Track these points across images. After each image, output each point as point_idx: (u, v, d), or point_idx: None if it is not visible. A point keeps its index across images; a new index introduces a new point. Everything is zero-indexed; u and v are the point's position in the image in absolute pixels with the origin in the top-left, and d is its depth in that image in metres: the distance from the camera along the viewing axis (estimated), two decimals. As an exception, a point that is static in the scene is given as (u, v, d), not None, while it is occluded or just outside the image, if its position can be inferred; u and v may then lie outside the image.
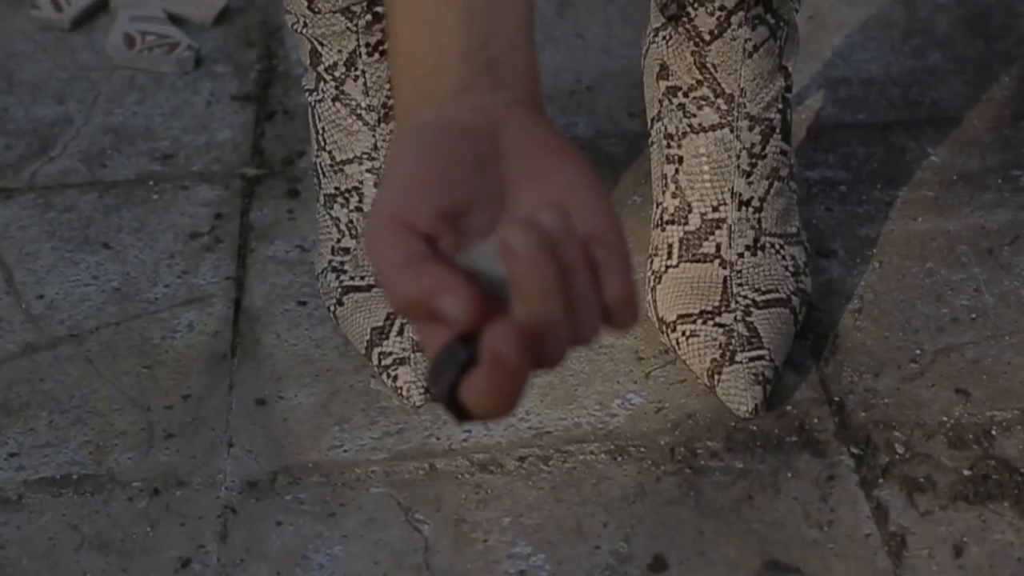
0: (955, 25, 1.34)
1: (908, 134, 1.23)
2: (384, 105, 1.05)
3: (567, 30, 1.35)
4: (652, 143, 1.09)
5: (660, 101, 1.07)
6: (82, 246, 1.16)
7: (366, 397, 1.04)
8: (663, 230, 1.06)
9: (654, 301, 1.05)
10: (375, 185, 1.06)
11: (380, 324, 1.04)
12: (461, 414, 0.61)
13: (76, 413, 1.04)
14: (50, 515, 0.97)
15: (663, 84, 1.06)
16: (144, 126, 1.27)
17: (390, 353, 1.03)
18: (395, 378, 1.02)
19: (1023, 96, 1.27)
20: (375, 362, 1.04)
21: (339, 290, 1.07)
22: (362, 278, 1.06)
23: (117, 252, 1.16)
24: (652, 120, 1.08)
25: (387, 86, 1.05)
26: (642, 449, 1.00)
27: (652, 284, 1.06)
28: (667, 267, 1.05)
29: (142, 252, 1.15)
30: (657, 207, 1.07)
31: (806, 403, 1.02)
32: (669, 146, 1.06)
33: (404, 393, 1.02)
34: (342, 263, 1.07)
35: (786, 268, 1.05)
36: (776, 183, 1.06)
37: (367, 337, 1.04)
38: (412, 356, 1.02)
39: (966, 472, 0.98)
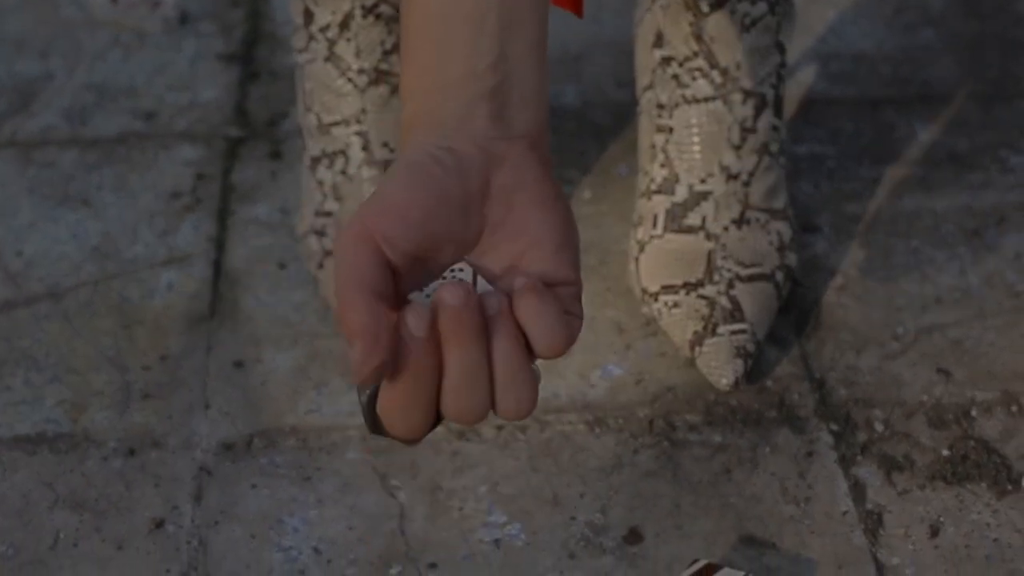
0: (949, 3, 1.34)
1: (898, 111, 1.23)
2: (375, 69, 1.05)
3: (557, -2, 1.34)
4: (641, 112, 1.08)
5: (653, 70, 1.06)
6: (62, 203, 1.15)
7: (345, 361, 1.03)
8: (649, 200, 1.05)
9: (637, 271, 1.05)
10: (362, 148, 1.05)
11: None
12: (376, 426, 0.65)
13: (53, 371, 1.03)
14: (24, 473, 0.96)
15: (658, 53, 1.05)
16: (127, 84, 1.26)
17: None
18: None
19: (1015, 76, 1.26)
20: None
21: (320, 253, 1.06)
22: None
23: (97, 210, 1.15)
24: (643, 89, 1.07)
25: (379, 50, 1.04)
26: (620, 421, 0.99)
27: (636, 254, 1.05)
28: (652, 237, 1.04)
29: (122, 211, 1.14)
30: (644, 176, 1.07)
31: (787, 379, 1.02)
32: (660, 116, 1.05)
33: None
34: (324, 226, 1.06)
35: (771, 243, 1.05)
36: (766, 158, 1.05)
37: None
38: None
39: (945, 452, 0.97)
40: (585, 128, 1.21)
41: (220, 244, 1.12)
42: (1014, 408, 1.00)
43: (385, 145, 1.05)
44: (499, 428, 0.99)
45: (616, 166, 1.18)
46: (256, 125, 1.22)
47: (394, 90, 1.05)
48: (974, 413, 1.00)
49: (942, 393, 1.01)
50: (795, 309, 1.06)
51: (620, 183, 1.16)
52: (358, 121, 1.05)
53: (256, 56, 1.29)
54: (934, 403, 1.00)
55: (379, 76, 1.05)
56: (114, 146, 1.20)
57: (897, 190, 1.16)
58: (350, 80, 1.05)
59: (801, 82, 1.25)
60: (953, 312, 1.06)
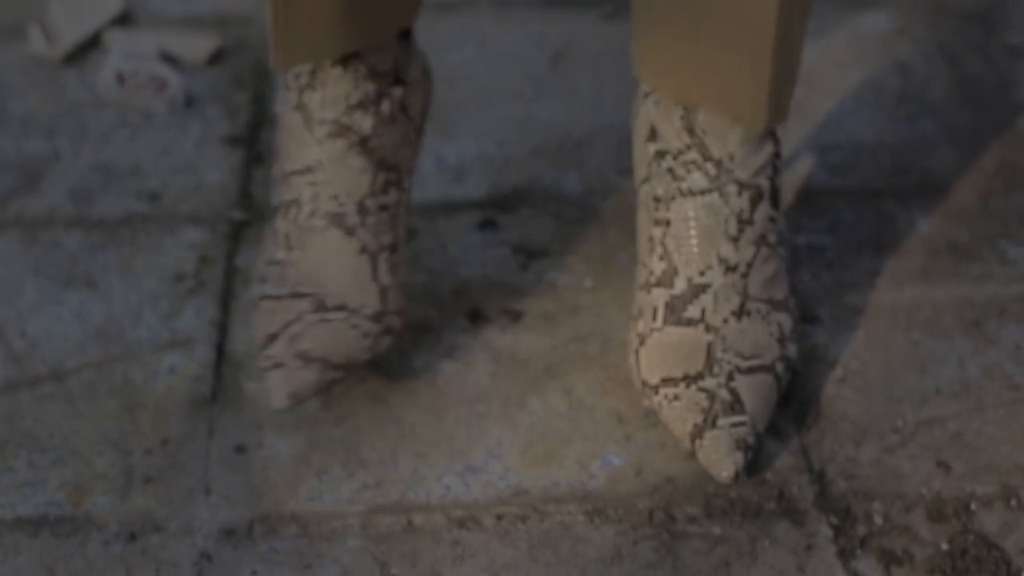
0: (948, 93, 1.35)
1: (897, 202, 1.24)
2: (336, 122, 1.06)
3: (559, 84, 1.35)
4: (639, 204, 1.09)
5: (649, 164, 1.07)
6: (66, 284, 1.16)
7: (346, 448, 1.03)
8: (649, 292, 1.06)
9: (638, 363, 1.05)
10: (311, 199, 1.07)
11: (275, 331, 1.04)
12: None
13: (55, 453, 1.03)
14: (25, 556, 0.96)
15: (652, 147, 1.06)
16: (133, 165, 1.27)
17: (272, 356, 1.03)
18: (267, 379, 1.02)
19: (1013, 167, 1.27)
20: (261, 363, 1.04)
21: (258, 297, 1.07)
22: (279, 287, 1.06)
23: (101, 292, 1.15)
24: (640, 182, 1.08)
25: (343, 103, 1.06)
26: (620, 512, 0.99)
27: (636, 346, 1.06)
28: (652, 330, 1.05)
29: (126, 292, 1.15)
30: (643, 268, 1.07)
31: (786, 471, 1.02)
32: (657, 209, 1.06)
33: (271, 394, 1.01)
34: (269, 273, 1.07)
35: (771, 334, 1.05)
36: (763, 249, 1.06)
37: (262, 341, 1.04)
38: (290, 364, 1.02)
39: (944, 546, 0.97)
40: (586, 215, 1.22)
41: (223, 328, 1.12)
42: (1013, 502, 1.00)
43: (335, 198, 1.06)
44: (499, 518, 0.99)
45: (617, 254, 1.18)
46: (260, 208, 1.23)
47: (351, 146, 1.07)
48: (973, 507, 1.00)
49: (942, 486, 1.01)
50: (795, 401, 1.07)
51: (621, 272, 1.16)
52: (311, 171, 1.07)
53: (260, 139, 1.30)
54: (934, 496, 1.01)
55: (339, 130, 1.06)
56: (119, 227, 1.21)
57: (897, 281, 1.17)
58: (311, 131, 1.06)
59: (801, 172, 1.26)
60: (953, 405, 1.07)
